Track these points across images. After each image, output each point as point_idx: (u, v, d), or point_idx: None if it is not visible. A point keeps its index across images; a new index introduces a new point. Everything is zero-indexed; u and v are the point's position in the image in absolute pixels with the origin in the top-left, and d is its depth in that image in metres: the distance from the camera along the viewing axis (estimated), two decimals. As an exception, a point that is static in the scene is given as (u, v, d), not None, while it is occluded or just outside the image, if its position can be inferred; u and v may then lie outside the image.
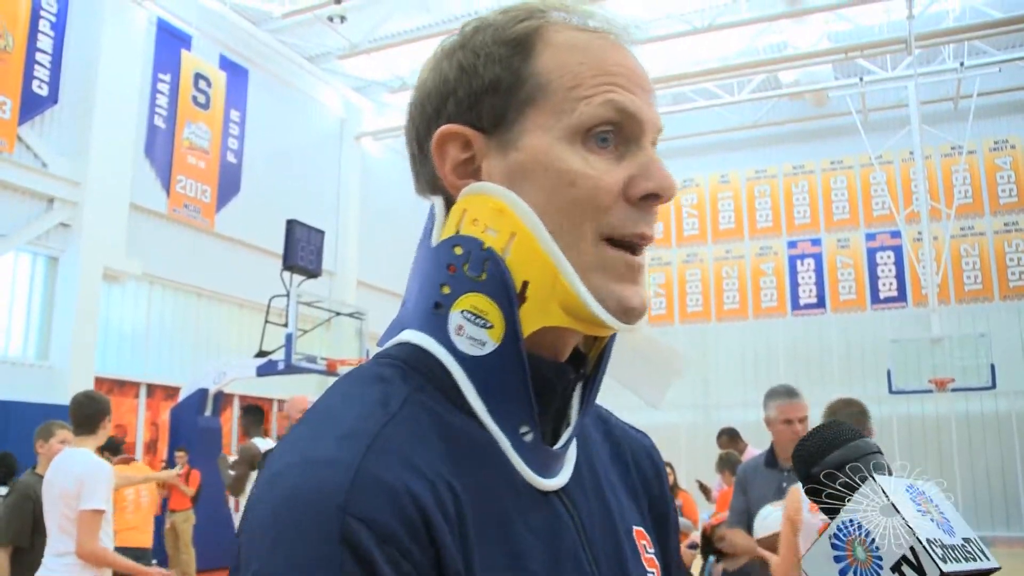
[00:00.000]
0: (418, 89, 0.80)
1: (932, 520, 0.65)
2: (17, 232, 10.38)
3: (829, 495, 0.68)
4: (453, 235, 0.74)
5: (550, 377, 0.74)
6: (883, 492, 0.64)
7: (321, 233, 11.10)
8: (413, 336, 0.75)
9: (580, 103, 0.72)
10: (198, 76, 12.99)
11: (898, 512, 0.63)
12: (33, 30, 10.57)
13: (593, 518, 0.77)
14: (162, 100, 12.41)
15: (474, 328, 0.71)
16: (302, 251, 10.67)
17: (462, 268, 0.72)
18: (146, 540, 7.35)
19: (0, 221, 10.23)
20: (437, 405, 0.71)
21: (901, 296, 16.11)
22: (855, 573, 0.66)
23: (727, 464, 7.63)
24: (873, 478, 0.66)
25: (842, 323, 16.33)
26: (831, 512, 0.68)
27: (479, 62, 0.75)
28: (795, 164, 17.06)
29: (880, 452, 0.71)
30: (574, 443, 0.80)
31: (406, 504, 0.61)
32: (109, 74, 11.32)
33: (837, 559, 0.66)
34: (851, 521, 0.66)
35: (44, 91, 10.70)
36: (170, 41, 12.63)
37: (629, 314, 0.72)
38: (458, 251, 0.73)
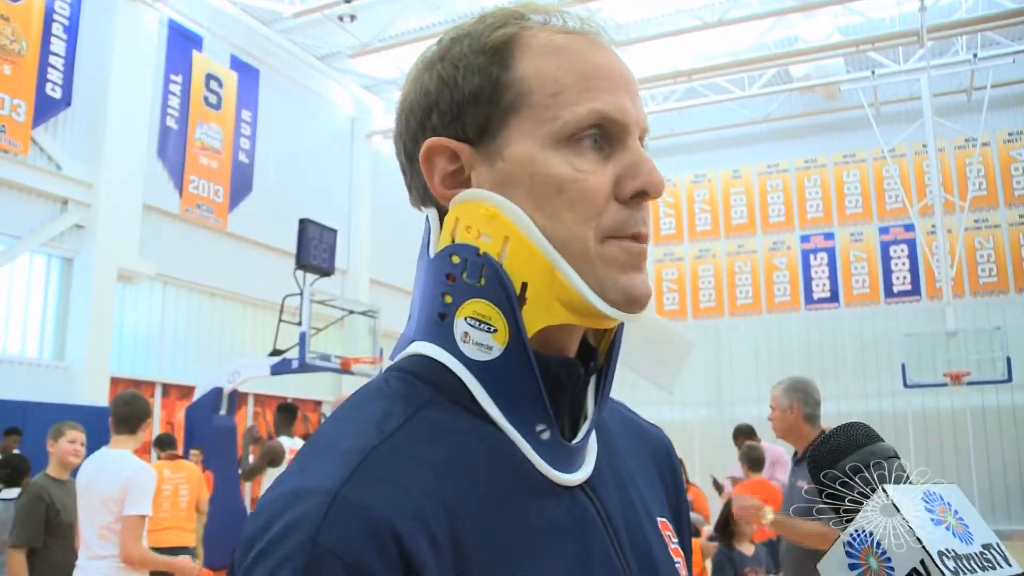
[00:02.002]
0: (401, 103, 0.80)
1: (948, 528, 0.64)
2: (32, 234, 10.45)
3: (845, 500, 0.68)
4: (449, 244, 0.74)
5: (559, 373, 0.74)
6: (892, 503, 0.64)
7: (333, 232, 11.11)
8: (422, 347, 0.76)
9: (564, 110, 0.72)
10: (209, 77, 13.03)
11: (908, 523, 0.63)
12: (46, 34, 10.63)
13: (618, 509, 0.77)
14: (174, 101, 12.46)
15: (479, 333, 0.72)
16: (315, 250, 10.67)
17: (461, 276, 0.73)
18: (185, 539, 7.10)
19: (15, 223, 10.31)
20: (449, 415, 0.71)
21: (915, 290, 16.02)
22: None
23: (747, 459, 7.59)
24: (883, 488, 0.66)
25: (856, 317, 16.24)
26: (848, 518, 0.68)
27: (459, 73, 0.75)
28: (807, 158, 16.97)
29: (896, 456, 0.71)
30: (594, 437, 0.80)
31: (380, 530, 0.61)
32: (121, 76, 11.37)
33: (852, 567, 0.66)
34: (863, 530, 0.65)
35: (57, 94, 10.76)
36: (181, 42, 12.68)
37: (633, 303, 0.73)
38: (455, 260, 0.73)
